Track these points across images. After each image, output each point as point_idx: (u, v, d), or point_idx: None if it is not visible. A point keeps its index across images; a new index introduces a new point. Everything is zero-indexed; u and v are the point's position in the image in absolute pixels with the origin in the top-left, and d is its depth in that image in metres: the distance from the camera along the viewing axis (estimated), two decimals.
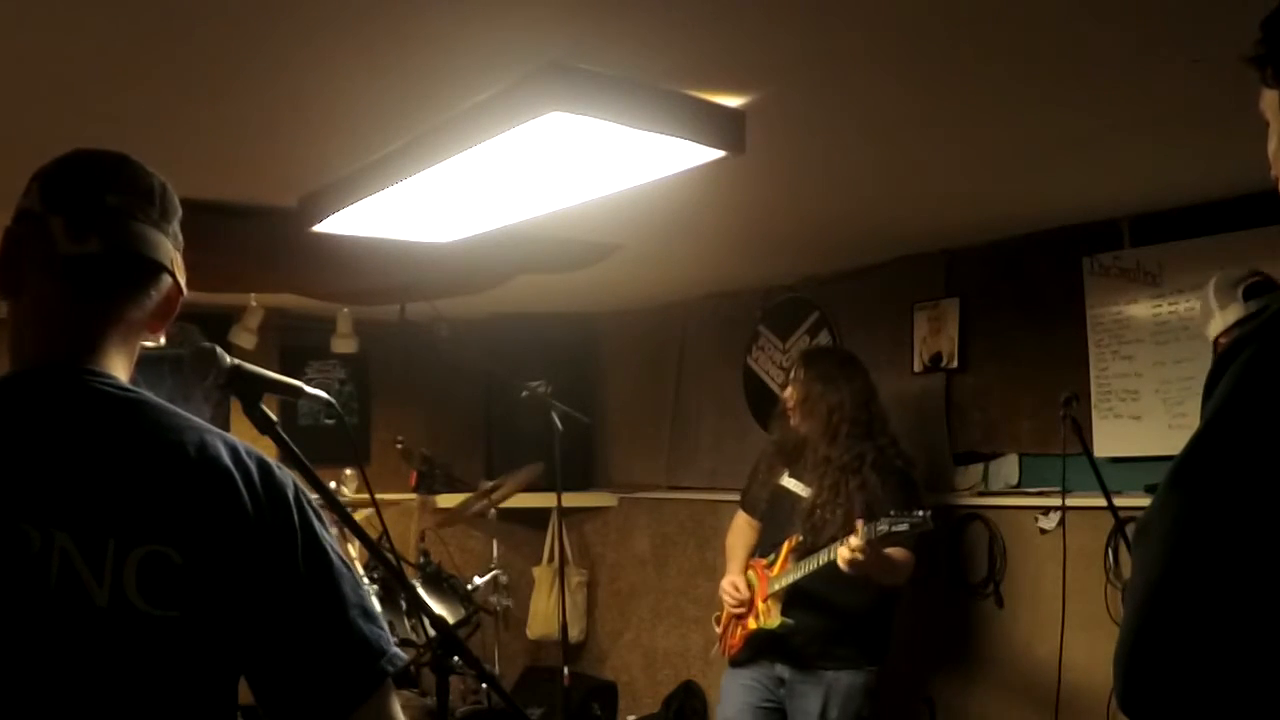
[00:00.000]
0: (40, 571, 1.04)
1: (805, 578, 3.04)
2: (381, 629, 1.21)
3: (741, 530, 3.49)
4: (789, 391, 3.30)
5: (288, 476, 1.20)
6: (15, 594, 1.03)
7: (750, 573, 3.30)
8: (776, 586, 3.13)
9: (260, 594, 1.13)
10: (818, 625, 3.11)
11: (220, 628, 1.11)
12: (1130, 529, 2.89)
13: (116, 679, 1.06)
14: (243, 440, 1.20)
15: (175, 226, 1.24)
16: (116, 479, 1.09)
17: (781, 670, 3.19)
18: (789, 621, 3.10)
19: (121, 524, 1.07)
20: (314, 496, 1.26)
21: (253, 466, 1.16)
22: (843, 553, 2.84)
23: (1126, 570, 3.09)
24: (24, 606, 1.03)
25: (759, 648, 3.22)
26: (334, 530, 1.26)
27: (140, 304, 1.20)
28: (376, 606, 1.24)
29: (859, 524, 2.83)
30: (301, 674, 1.16)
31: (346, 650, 1.17)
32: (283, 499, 1.17)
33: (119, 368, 1.19)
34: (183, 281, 1.23)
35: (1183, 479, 0.93)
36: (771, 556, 3.20)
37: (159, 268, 1.19)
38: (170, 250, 1.22)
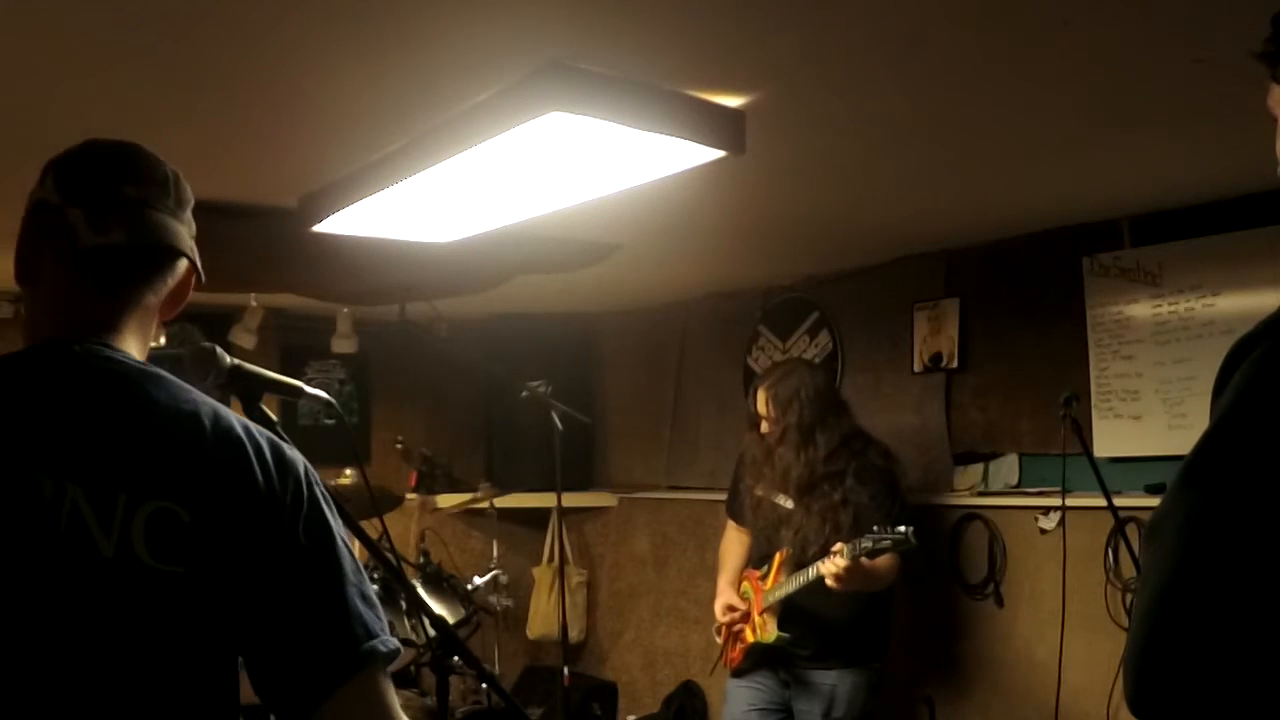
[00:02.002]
0: (50, 518, 1.06)
1: (798, 591, 3.05)
2: (379, 616, 1.20)
3: (733, 539, 3.50)
4: (760, 414, 3.25)
5: (299, 456, 1.22)
6: (24, 538, 1.05)
7: (745, 584, 3.31)
8: (771, 600, 3.14)
9: (260, 559, 1.14)
10: (815, 633, 3.13)
11: (222, 588, 1.12)
12: (1130, 529, 2.89)
13: (117, 628, 1.07)
14: None
15: (189, 214, 1.26)
16: (131, 438, 1.11)
17: (785, 675, 3.21)
18: (785, 636, 3.12)
19: (133, 480, 1.09)
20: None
21: (264, 442, 1.19)
22: (827, 571, 2.87)
23: (1127, 570, 3.09)
24: (32, 551, 1.05)
25: (759, 659, 3.24)
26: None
27: (156, 290, 1.23)
28: (374, 594, 1.24)
29: (841, 546, 2.85)
30: (288, 644, 1.16)
31: (335, 625, 1.17)
32: (293, 472, 1.19)
33: (134, 349, 1.21)
34: (199, 265, 1.25)
35: (1194, 477, 0.92)
36: (765, 568, 3.21)
37: (179, 255, 1.21)
38: (188, 237, 1.24)
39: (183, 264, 1.24)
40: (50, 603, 1.05)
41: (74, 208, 1.16)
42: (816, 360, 4.02)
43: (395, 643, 1.21)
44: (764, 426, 3.24)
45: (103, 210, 1.16)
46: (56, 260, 1.18)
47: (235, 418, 1.19)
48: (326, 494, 1.23)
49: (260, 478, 1.15)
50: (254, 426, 1.21)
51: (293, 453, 1.21)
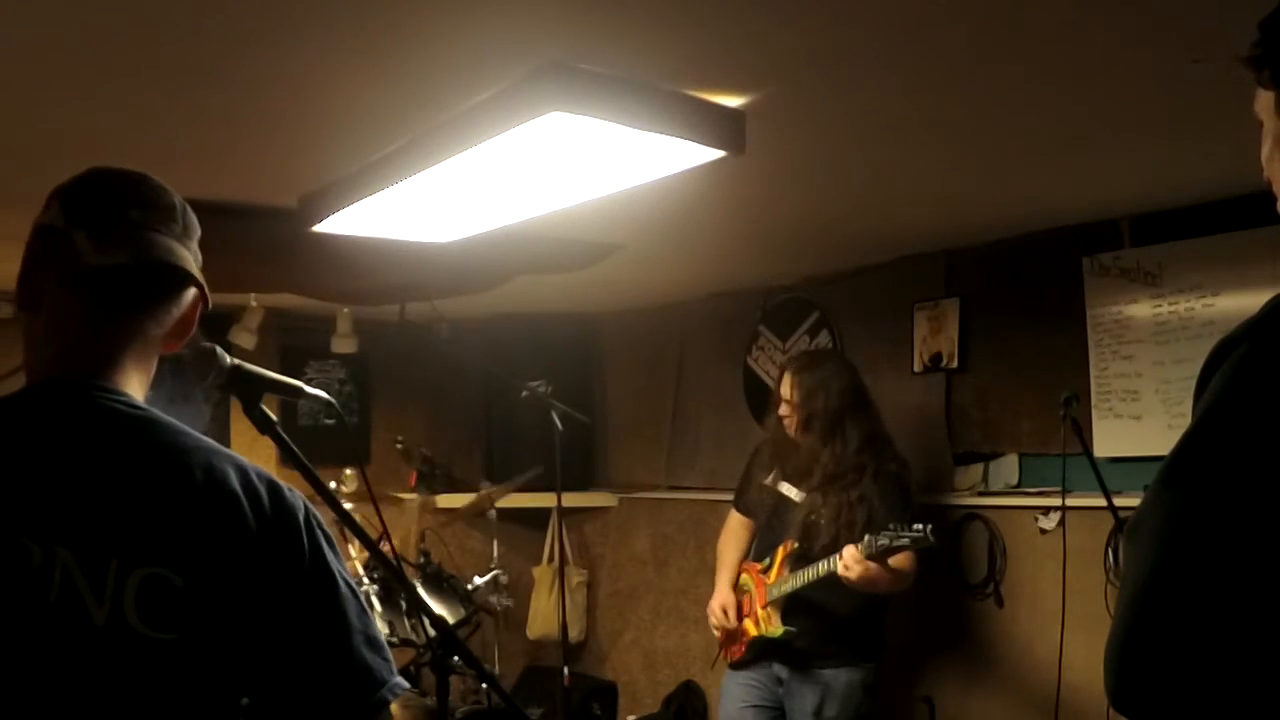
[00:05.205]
0: (40, 586, 1.03)
1: (804, 587, 3.05)
2: (385, 658, 1.21)
3: (734, 531, 3.49)
4: (782, 397, 3.26)
5: (299, 499, 1.20)
6: (14, 608, 1.03)
7: (745, 576, 3.30)
8: (776, 594, 3.13)
9: (262, 617, 1.13)
10: (813, 627, 3.13)
11: (220, 652, 1.11)
12: None
13: (111, 698, 1.05)
14: (251, 458, 1.20)
15: (195, 245, 1.25)
16: (121, 499, 1.09)
17: (780, 670, 3.20)
18: (792, 629, 3.11)
19: (124, 544, 1.07)
20: (331, 508, 1.26)
21: (262, 489, 1.16)
22: (844, 565, 2.85)
23: None
24: (22, 620, 1.03)
25: (759, 652, 3.23)
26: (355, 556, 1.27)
27: (159, 319, 1.21)
28: (381, 635, 1.24)
29: (868, 539, 2.84)
30: (299, 699, 1.17)
31: (346, 678, 1.17)
32: (291, 521, 1.17)
33: (134, 384, 1.19)
34: (208, 292, 1.24)
35: (1175, 477, 0.93)
36: (766, 561, 3.21)
37: (186, 278, 1.20)
38: (195, 265, 1.22)
39: (189, 294, 1.23)
40: (43, 673, 1.03)
41: (79, 230, 1.15)
42: None
43: (403, 685, 1.22)
44: (784, 410, 3.24)
45: (107, 232, 1.15)
46: (59, 284, 1.17)
47: (231, 463, 1.16)
48: (327, 535, 1.21)
49: (255, 531, 1.13)
50: (253, 470, 1.18)
51: (292, 497, 1.19)
